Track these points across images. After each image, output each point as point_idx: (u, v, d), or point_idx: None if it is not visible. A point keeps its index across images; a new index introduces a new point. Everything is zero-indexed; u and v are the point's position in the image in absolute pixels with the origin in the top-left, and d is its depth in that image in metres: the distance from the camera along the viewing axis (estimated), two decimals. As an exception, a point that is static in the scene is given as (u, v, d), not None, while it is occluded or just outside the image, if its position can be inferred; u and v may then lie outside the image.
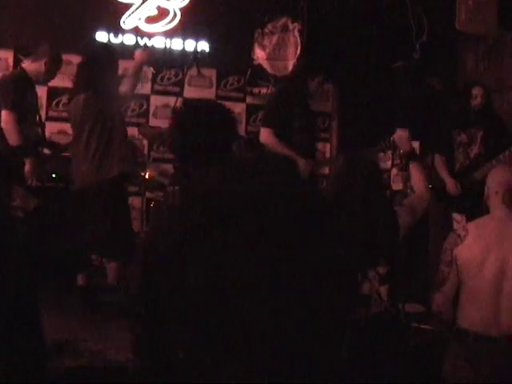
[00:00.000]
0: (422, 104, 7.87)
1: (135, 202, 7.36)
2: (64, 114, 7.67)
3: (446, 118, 7.05)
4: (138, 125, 7.80)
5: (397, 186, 7.63)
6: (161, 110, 8.28)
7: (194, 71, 7.19)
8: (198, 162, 2.26)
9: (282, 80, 7.93)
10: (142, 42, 8.02)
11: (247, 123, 8.60)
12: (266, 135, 5.74)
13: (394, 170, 7.82)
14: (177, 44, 8.17)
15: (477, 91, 6.56)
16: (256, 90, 8.51)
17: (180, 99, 7.49)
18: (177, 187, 5.12)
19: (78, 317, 5.41)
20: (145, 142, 8.00)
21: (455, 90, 8.40)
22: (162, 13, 8.11)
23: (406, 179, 6.57)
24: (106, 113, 5.69)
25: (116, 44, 7.91)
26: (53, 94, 7.94)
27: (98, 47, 7.36)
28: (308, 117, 5.81)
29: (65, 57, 7.84)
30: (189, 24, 8.15)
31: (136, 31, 8.02)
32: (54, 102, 7.97)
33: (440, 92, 8.10)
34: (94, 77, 5.70)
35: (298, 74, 6.59)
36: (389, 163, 7.85)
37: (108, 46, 7.34)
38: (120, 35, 7.97)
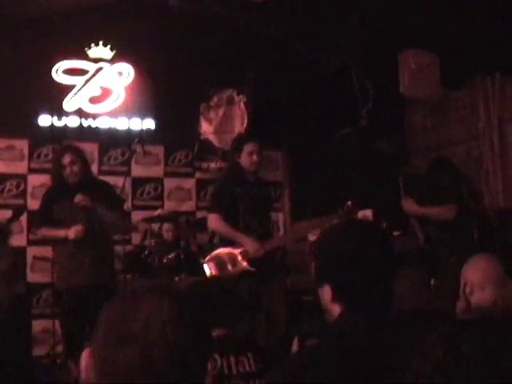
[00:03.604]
0: (372, 171, 7.81)
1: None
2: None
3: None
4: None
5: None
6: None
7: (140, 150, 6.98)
8: None
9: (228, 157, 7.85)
10: (86, 124, 7.90)
11: (198, 198, 8.49)
12: (212, 221, 5.68)
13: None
14: (122, 123, 8.09)
15: None
16: (204, 165, 8.40)
17: (128, 178, 7.42)
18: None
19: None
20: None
21: (405, 151, 8.44)
22: (106, 92, 8.02)
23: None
24: None
25: (60, 126, 7.79)
26: None
27: None
28: (253, 197, 5.67)
29: (8, 142, 7.76)
30: (133, 102, 8.08)
31: (80, 112, 7.89)
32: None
33: (390, 154, 8.09)
34: None
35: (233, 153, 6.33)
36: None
37: None
38: (64, 117, 7.83)
